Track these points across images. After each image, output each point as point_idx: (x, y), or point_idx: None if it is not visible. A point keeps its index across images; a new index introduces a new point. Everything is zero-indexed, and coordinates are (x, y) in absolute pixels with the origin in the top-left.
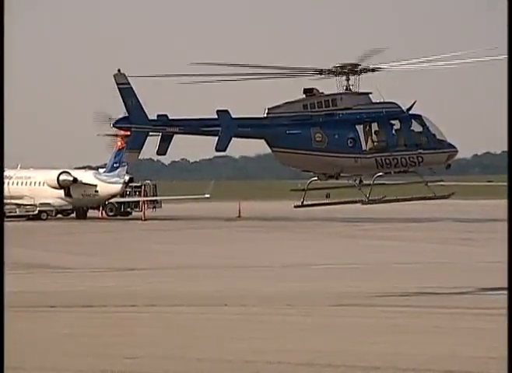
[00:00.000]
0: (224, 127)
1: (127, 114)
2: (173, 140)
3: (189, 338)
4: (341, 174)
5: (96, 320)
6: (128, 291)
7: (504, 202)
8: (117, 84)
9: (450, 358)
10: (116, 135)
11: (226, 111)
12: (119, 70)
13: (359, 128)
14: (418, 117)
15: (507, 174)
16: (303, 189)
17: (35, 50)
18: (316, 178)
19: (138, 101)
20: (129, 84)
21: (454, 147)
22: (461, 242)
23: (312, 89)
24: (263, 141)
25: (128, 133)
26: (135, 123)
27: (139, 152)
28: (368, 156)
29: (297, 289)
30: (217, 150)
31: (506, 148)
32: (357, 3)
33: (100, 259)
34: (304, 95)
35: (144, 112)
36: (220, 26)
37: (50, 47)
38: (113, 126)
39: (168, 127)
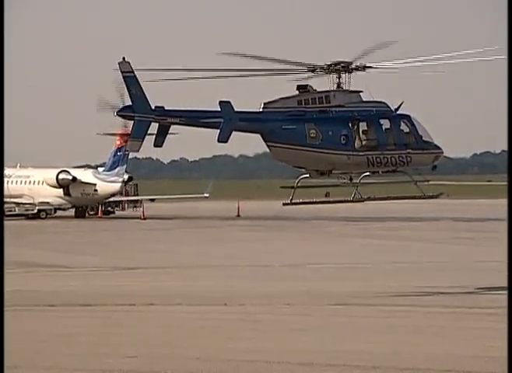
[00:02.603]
0: (226, 118)
1: (130, 103)
2: (173, 138)
3: (188, 337)
4: (333, 171)
5: (95, 319)
6: (127, 290)
7: (504, 201)
8: (122, 72)
9: (449, 357)
10: (115, 134)
11: (229, 102)
12: (124, 58)
13: (352, 126)
14: (406, 117)
15: (507, 173)
16: (292, 187)
17: (34, 49)
18: (306, 175)
19: (142, 90)
20: (133, 72)
21: (439, 148)
22: (461, 241)
23: (306, 86)
24: (260, 138)
25: (128, 132)
26: (138, 112)
27: (142, 141)
28: (360, 154)
29: (296, 288)
30: (219, 141)
31: (505, 148)
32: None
33: (100, 259)
34: (297, 92)
35: (147, 101)
36: (212, 21)
37: (49, 46)
38: (117, 114)
39: (169, 118)
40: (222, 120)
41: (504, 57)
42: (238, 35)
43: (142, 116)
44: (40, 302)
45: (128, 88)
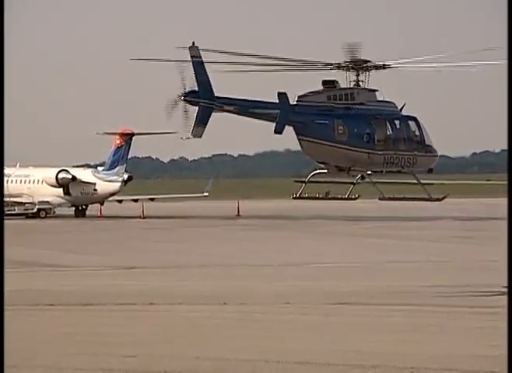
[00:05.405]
0: (283, 109)
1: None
2: (172, 137)
3: (188, 336)
4: (352, 168)
5: (95, 319)
6: (128, 289)
7: (503, 200)
8: (191, 57)
9: (449, 357)
10: (114, 133)
11: (285, 94)
12: (193, 42)
13: (373, 124)
14: (414, 119)
15: (507, 173)
16: (304, 182)
17: (34, 49)
18: (318, 171)
19: (207, 76)
20: (201, 58)
21: (436, 152)
22: (461, 240)
23: (333, 81)
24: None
25: (128, 131)
26: (203, 98)
27: (205, 127)
28: (379, 153)
29: (296, 288)
30: (275, 132)
31: (505, 147)
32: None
33: (99, 258)
34: (322, 87)
35: (211, 88)
36: (230, 16)
37: (49, 46)
38: (183, 99)
39: (225, 106)
40: (278, 112)
41: (504, 56)
42: (248, 28)
43: (207, 102)
44: (40, 302)
45: (195, 73)
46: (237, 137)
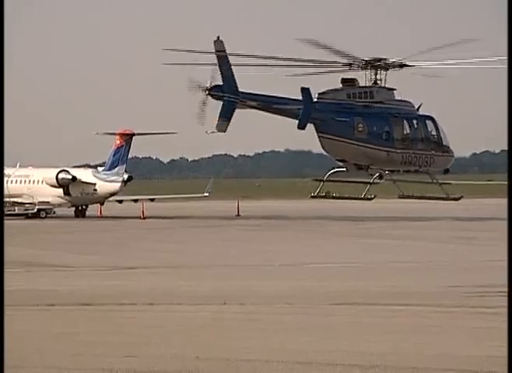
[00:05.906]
0: (306, 105)
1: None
2: (172, 137)
3: (188, 337)
4: (371, 166)
5: (95, 319)
6: (128, 289)
7: (503, 201)
8: (216, 51)
9: (449, 357)
10: (114, 133)
11: (308, 89)
12: (218, 37)
13: (392, 123)
14: (431, 119)
15: (507, 173)
16: (322, 180)
17: (34, 49)
18: (335, 170)
19: (232, 71)
20: (225, 52)
21: (453, 152)
22: (461, 240)
23: (353, 79)
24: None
25: (128, 131)
26: (227, 93)
27: (229, 122)
28: (398, 151)
29: (297, 288)
30: (298, 128)
31: (505, 147)
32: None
33: (99, 258)
34: (341, 85)
35: (235, 82)
36: (248, 14)
37: (49, 46)
38: (208, 93)
39: (249, 101)
40: (301, 107)
41: (504, 57)
42: (266, 27)
43: (231, 97)
44: (40, 302)
45: (219, 68)
46: (237, 137)
